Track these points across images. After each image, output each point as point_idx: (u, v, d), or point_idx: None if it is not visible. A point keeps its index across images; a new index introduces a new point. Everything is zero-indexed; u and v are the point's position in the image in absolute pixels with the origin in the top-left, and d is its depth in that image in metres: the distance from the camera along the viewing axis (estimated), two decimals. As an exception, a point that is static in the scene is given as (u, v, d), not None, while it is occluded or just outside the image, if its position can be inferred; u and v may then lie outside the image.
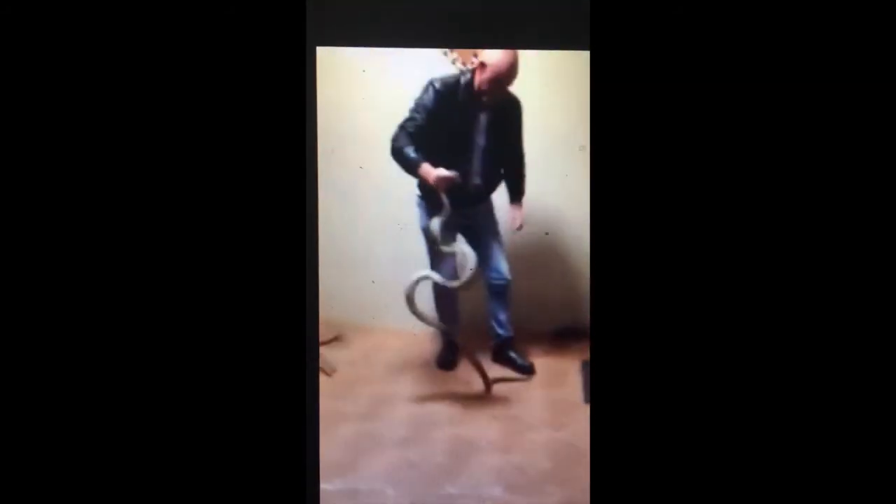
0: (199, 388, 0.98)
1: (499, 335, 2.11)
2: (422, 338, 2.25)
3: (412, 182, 2.01)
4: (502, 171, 2.00)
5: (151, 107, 0.97)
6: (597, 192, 1.03)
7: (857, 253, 0.98)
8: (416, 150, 2.08)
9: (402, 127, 2.01)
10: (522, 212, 2.06)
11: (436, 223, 2.09)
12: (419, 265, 2.50)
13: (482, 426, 1.83)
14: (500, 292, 2.05)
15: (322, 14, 1.12)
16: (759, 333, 0.99)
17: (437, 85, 1.91)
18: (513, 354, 2.10)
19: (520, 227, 2.05)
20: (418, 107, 1.97)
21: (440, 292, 2.07)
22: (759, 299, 0.99)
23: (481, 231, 2.04)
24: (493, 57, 1.81)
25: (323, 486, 1.58)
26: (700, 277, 0.99)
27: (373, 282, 2.56)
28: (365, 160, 2.46)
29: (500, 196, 2.05)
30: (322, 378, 2.15)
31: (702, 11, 0.98)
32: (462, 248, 2.04)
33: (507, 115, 1.93)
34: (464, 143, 2.03)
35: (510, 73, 1.85)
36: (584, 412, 1.81)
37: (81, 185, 0.96)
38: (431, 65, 2.38)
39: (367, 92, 2.44)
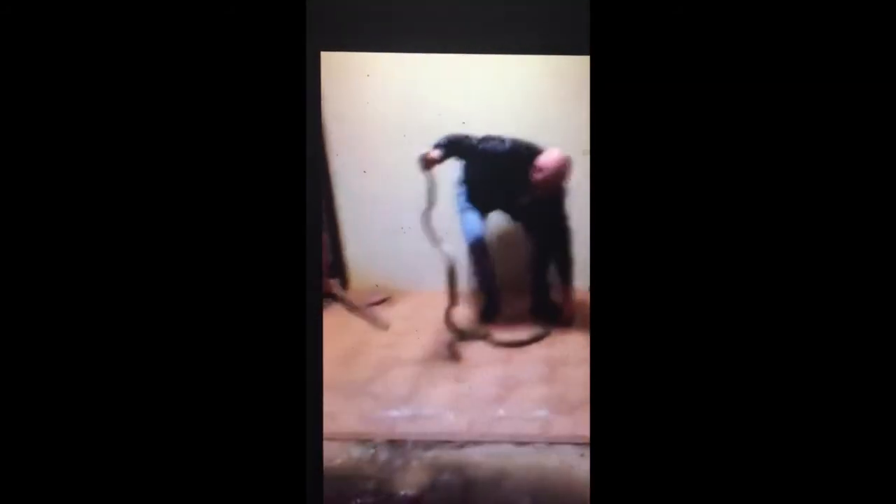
0: (199, 387, 0.98)
1: (537, 285, 2.42)
2: (464, 296, 2.48)
3: (415, 185, 2.11)
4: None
5: (151, 112, 0.96)
6: (597, 195, 1.00)
7: (857, 253, 0.97)
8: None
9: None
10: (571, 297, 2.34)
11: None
12: (421, 268, 2.62)
13: (526, 365, 2.07)
14: (548, 253, 2.35)
15: (327, 19, 1.12)
16: (760, 332, 0.98)
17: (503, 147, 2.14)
18: (551, 303, 2.41)
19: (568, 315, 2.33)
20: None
21: (477, 257, 2.32)
22: (760, 298, 0.98)
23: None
24: (548, 163, 2.07)
25: (391, 412, 1.83)
26: (701, 278, 0.98)
27: (376, 285, 2.74)
28: (369, 164, 2.59)
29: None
30: (378, 332, 2.41)
31: (702, 16, 0.97)
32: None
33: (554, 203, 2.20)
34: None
35: (562, 175, 2.11)
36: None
37: (82, 184, 0.95)
38: (435, 69, 2.50)
39: (372, 96, 2.57)
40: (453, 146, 2.14)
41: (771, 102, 0.97)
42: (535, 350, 2.22)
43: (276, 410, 1.00)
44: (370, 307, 2.58)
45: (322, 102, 1.16)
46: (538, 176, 2.10)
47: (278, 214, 0.99)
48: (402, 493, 1.51)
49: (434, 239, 2.12)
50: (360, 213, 2.72)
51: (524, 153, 2.14)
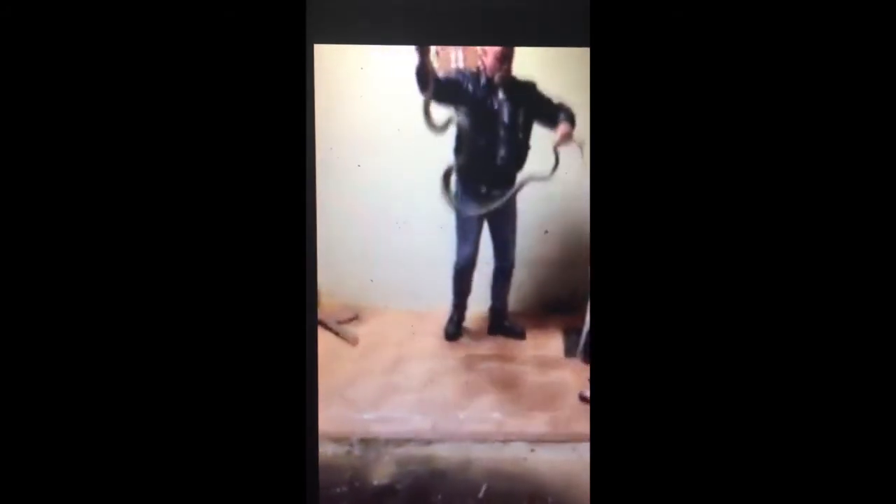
0: (198, 388, 0.97)
1: (497, 308, 2.50)
2: (428, 316, 2.72)
3: (411, 179, 2.16)
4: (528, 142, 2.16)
5: (149, 104, 0.95)
6: (597, 189, 0.99)
7: (857, 252, 0.95)
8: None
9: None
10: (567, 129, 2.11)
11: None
12: (418, 263, 2.80)
13: (484, 375, 2.33)
14: (503, 275, 2.43)
15: (320, 11, 1.07)
16: (760, 331, 0.97)
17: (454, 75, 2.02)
18: (507, 324, 2.50)
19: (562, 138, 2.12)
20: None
21: (458, 271, 2.44)
22: (760, 297, 0.97)
23: (500, 222, 2.36)
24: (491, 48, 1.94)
25: (363, 415, 2.05)
26: (700, 275, 0.97)
27: (371, 280, 2.73)
28: (363, 158, 2.42)
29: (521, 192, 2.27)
30: (347, 346, 2.62)
31: (703, 8, 0.96)
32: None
33: (524, 96, 2.09)
34: (488, 119, 2.17)
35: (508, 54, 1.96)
36: (565, 364, 2.33)
37: (80, 182, 0.95)
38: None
39: (366, 89, 2.31)
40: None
41: (772, 100, 0.95)
42: (490, 363, 2.48)
43: (276, 411, 1.02)
44: (341, 324, 2.79)
45: (315, 96, 1.09)
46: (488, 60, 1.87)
47: (278, 213, 0.98)
48: (376, 482, 1.74)
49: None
50: (354, 207, 2.54)
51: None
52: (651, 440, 0.97)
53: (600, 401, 1.01)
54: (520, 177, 2.28)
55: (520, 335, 2.47)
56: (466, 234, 2.44)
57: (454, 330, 2.60)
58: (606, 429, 1.01)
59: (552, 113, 2.19)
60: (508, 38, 1.24)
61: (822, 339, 0.96)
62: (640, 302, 0.98)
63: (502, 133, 2.25)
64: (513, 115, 2.20)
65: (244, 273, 0.99)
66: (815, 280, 0.96)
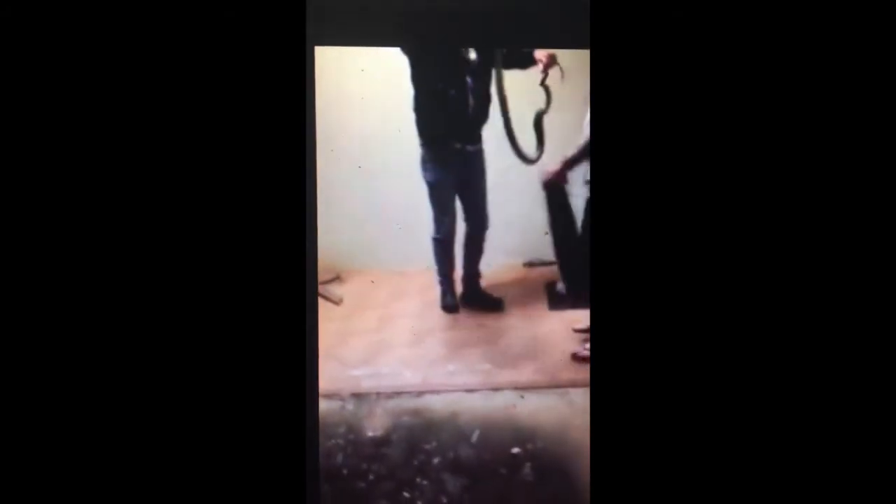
0: (198, 387, 0.97)
1: (470, 277, 2.46)
2: (413, 275, 2.74)
3: (411, 182, 2.19)
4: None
5: (149, 105, 0.94)
6: (597, 190, 0.98)
7: (857, 253, 0.95)
8: None
9: None
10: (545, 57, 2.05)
11: None
12: (419, 265, 2.78)
13: (471, 329, 2.37)
14: (476, 242, 2.41)
15: (321, 13, 1.08)
16: (761, 332, 0.97)
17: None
18: (483, 294, 2.45)
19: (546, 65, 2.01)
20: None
21: (440, 242, 2.41)
22: (760, 297, 0.96)
23: (471, 182, 2.34)
24: None
25: (354, 372, 2.07)
26: (701, 276, 0.97)
27: (372, 282, 2.63)
28: (363, 160, 2.47)
29: (490, 149, 2.29)
30: (332, 306, 2.63)
31: (703, 8, 0.95)
32: None
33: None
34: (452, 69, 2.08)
35: None
36: (549, 317, 2.38)
37: (80, 182, 0.94)
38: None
39: (366, 91, 2.37)
40: None
41: (772, 101, 0.95)
42: (476, 317, 2.52)
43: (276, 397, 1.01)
44: (323, 285, 2.79)
45: (315, 98, 1.10)
46: None
47: (279, 214, 0.97)
48: (370, 433, 1.77)
49: None
50: (355, 209, 2.62)
51: None
52: (652, 440, 0.99)
53: (601, 401, 1.00)
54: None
55: (497, 305, 2.40)
56: (443, 203, 2.38)
57: (452, 302, 2.48)
58: (607, 429, 1.01)
59: (522, 56, 2.14)
60: (509, 39, 1.22)
61: (818, 340, 0.97)
62: (640, 301, 0.98)
63: (469, 82, 2.17)
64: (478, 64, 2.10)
65: (245, 274, 0.99)
66: (815, 278, 0.96)
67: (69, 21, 0.94)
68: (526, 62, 2.26)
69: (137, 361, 0.97)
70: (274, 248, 0.99)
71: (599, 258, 1.00)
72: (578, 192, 2.25)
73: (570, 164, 2.18)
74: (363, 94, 2.54)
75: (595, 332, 1.01)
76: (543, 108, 2.26)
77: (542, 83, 2.21)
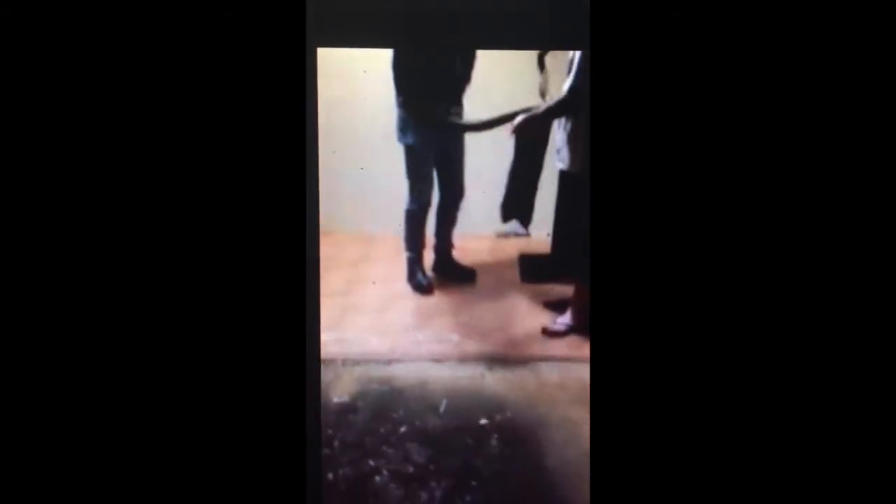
0: (197, 385, 0.98)
1: (442, 248, 2.47)
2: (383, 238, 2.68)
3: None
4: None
5: (150, 107, 0.95)
6: (597, 191, 0.99)
7: (857, 253, 0.96)
8: None
9: None
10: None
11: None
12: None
13: (440, 298, 2.34)
14: (449, 211, 2.40)
15: (322, 15, 1.09)
16: (761, 332, 0.98)
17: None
18: (455, 264, 2.49)
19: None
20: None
21: (412, 214, 2.35)
22: (761, 298, 0.98)
23: (449, 149, 2.29)
24: None
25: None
26: (701, 277, 0.97)
27: (373, 283, 2.61)
28: (366, 161, 2.54)
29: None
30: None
31: (703, 8, 0.96)
32: None
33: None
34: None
35: None
36: (521, 290, 2.37)
37: (81, 183, 0.94)
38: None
39: (368, 92, 2.49)
40: None
41: (771, 101, 0.96)
42: (445, 287, 2.49)
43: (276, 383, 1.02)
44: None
45: (318, 99, 1.15)
46: None
47: (279, 215, 0.98)
48: (336, 399, 1.74)
49: None
50: (357, 209, 2.72)
51: None
52: (651, 441, 1.00)
53: (600, 401, 1.00)
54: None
55: (469, 276, 2.39)
56: (420, 170, 2.29)
57: (424, 281, 2.40)
58: (606, 428, 1.02)
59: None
60: (509, 39, 1.24)
61: (818, 340, 0.99)
62: (639, 301, 0.99)
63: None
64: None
65: (245, 273, 0.98)
66: (812, 285, 0.98)
67: (69, 21, 0.94)
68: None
69: (137, 355, 0.98)
70: (274, 248, 0.99)
71: (599, 257, 1.00)
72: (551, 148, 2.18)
73: (539, 117, 2.13)
74: (365, 96, 2.56)
75: (595, 333, 1.00)
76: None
77: (543, 95, 2.16)
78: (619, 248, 0.99)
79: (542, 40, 1.26)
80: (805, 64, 0.96)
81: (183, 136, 0.96)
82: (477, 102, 2.35)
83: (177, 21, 0.95)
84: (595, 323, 1.00)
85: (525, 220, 2.31)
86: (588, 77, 1.61)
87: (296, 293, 1.00)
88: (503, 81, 2.39)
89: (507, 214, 2.30)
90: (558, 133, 2.08)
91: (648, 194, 0.98)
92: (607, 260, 1.00)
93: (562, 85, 2.06)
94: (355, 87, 2.58)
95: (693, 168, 0.98)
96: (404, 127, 2.24)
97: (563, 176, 2.06)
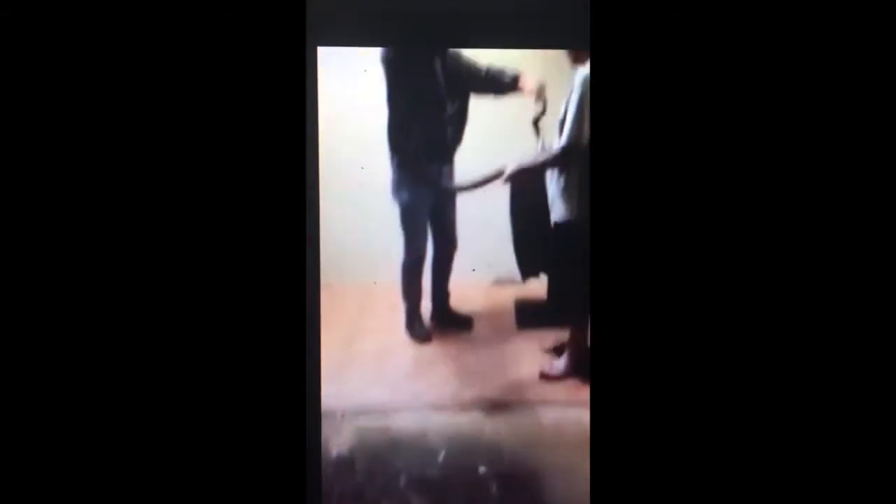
0: (198, 388, 0.97)
1: (439, 298, 2.49)
2: (381, 287, 2.71)
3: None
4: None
5: (151, 107, 0.94)
6: (597, 191, 0.98)
7: (856, 253, 0.95)
8: None
9: None
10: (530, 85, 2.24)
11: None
12: (389, 278, 2.53)
13: (439, 346, 2.36)
14: (444, 262, 2.44)
15: (323, 14, 1.09)
16: (761, 333, 0.97)
17: None
18: (452, 313, 2.52)
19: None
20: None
21: (409, 268, 2.40)
22: (760, 299, 0.97)
23: (442, 209, 2.35)
24: None
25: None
26: (701, 277, 0.97)
27: (374, 282, 2.65)
28: (367, 160, 2.50)
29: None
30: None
31: (703, 8, 0.96)
32: None
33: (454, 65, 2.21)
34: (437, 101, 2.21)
35: None
36: (517, 336, 2.39)
37: (81, 183, 0.94)
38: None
39: (369, 91, 2.42)
40: None
41: (771, 102, 0.95)
42: (443, 335, 2.51)
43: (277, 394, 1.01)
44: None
45: (318, 98, 1.14)
46: None
47: (280, 215, 0.98)
48: (335, 452, 1.74)
49: None
50: (358, 208, 2.63)
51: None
52: (651, 443, 1.00)
53: (600, 403, 1.00)
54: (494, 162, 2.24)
55: (466, 324, 2.41)
56: (415, 224, 2.34)
57: (422, 332, 2.43)
58: (606, 431, 1.01)
59: (491, 78, 2.23)
60: (509, 39, 1.26)
61: (817, 340, 0.98)
62: (639, 302, 0.99)
63: (448, 109, 2.27)
64: (448, 85, 2.21)
65: (245, 272, 0.99)
66: (812, 285, 0.98)
67: (69, 21, 0.94)
68: (502, 88, 2.28)
69: (137, 356, 0.97)
70: (274, 247, 0.98)
71: (599, 256, 0.99)
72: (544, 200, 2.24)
73: (530, 170, 2.19)
74: (365, 95, 2.40)
75: (595, 333, 1.00)
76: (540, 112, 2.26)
77: (535, 123, 2.24)
78: (619, 247, 0.98)
79: (542, 40, 1.26)
80: (805, 63, 0.95)
81: (181, 135, 0.95)
82: (468, 161, 2.42)
83: (177, 21, 0.95)
84: (595, 368, 0.99)
85: (531, 272, 2.36)
86: (579, 134, 1.68)
87: (295, 287, 0.98)
88: (495, 141, 2.45)
89: (525, 271, 2.35)
90: (551, 186, 2.14)
91: (649, 193, 0.96)
92: (607, 259, 0.98)
93: (554, 142, 2.14)
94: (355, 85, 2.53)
95: (694, 166, 0.95)
96: (399, 185, 2.32)
97: (558, 226, 2.11)
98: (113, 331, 0.96)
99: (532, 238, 2.32)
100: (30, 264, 0.95)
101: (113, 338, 0.97)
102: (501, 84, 2.26)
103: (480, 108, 2.35)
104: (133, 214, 0.97)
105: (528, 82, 2.21)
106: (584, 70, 1.92)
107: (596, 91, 0.99)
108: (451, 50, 2.22)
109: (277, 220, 0.99)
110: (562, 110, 2.06)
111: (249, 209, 0.98)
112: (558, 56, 2.06)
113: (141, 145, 0.96)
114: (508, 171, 2.18)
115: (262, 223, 0.99)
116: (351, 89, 2.49)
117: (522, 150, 2.26)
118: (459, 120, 2.35)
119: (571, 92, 1.94)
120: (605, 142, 0.99)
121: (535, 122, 2.22)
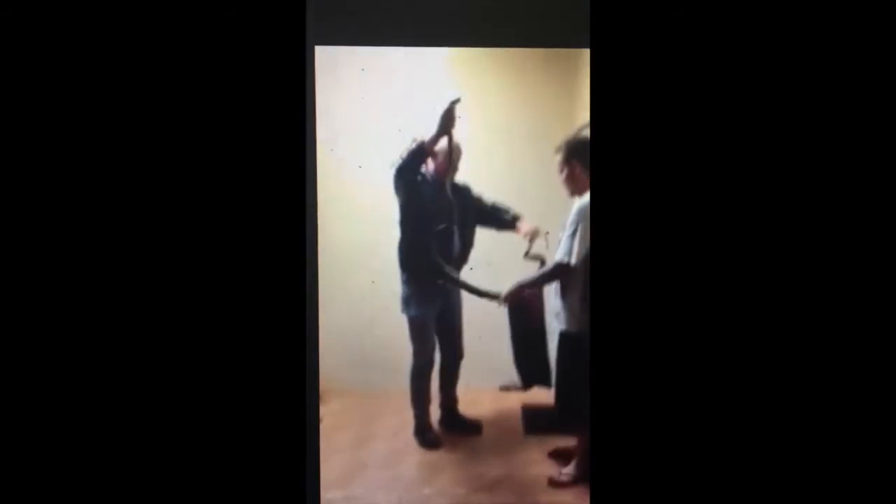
0: (198, 388, 0.97)
1: (448, 405, 2.54)
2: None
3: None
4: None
5: (151, 105, 0.94)
6: (597, 189, 0.97)
7: (856, 252, 0.94)
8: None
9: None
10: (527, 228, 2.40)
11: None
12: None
13: (447, 452, 2.36)
14: (452, 370, 2.51)
15: (321, 13, 1.08)
16: (761, 335, 0.96)
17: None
18: (461, 419, 2.55)
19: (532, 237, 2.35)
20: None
21: (418, 374, 2.44)
22: (760, 300, 0.96)
23: (450, 321, 2.46)
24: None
25: (328, 495, 2.04)
26: (700, 276, 0.96)
27: (373, 282, 2.65)
28: (364, 159, 2.51)
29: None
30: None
31: (703, 8, 0.95)
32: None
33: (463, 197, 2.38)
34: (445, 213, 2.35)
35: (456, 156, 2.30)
36: (525, 442, 2.39)
37: (82, 183, 0.94)
38: (429, 64, 2.46)
39: (366, 91, 2.47)
40: None
41: (770, 101, 0.95)
42: (451, 441, 2.51)
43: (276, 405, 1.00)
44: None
45: (316, 97, 1.14)
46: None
47: (279, 214, 0.97)
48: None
49: None
50: (356, 207, 2.62)
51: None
52: (651, 446, 0.99)
53: (600, 405, 0.99)
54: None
55: (475, 429, 2.45)
56: (424, 335, 2.39)
57: (431, 438, 2.44)
58: (606, 431, 1.01)
59: (493, 214, 2.43)
60: (509, 38, 1.25)
61: (816, 340, 0.96)
62: (639, 303, 0.98)
63: (457, 226, 2.41)
64: (459, 212, 2.39)
65: (245, 272, 0.99)
66: (811, 285, 0.96)
67: (69, 21, 0.94)
68: (503, 225, 2.45)
69: (138, 357, 0.97)
70: (274, 247, 0.98)
71: (599, 256, 0.98)
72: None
73: (529, 285, 2.30)
74: (363, 94, 2.42)
75: (596, 333, 1.00)
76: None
77: (527, 255, 2.39)
78: (618, 246, 0.98)
79: (542, 40, 1.25)
80: (804, 63, 0.96)
81: (181, 134, 0.95)
82: (473, 274, 2.50)
83: (177, 20, 0.95)
84: (596, 476, 0.99)
85: (533, 382, 2.42)
86: (577, 252, 1.79)
87: (295, 287, 0.98)
88: (502, 259, 2.51)
89: (527, 382, 2.42)
90: (553, 298, 2.24)
91: (649, 193, 0.97)
92: (607, 258, 0.98)
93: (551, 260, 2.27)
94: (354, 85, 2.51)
95: (694, 166, 0.96)
96: (408, 300, 2.42)
97: (564, 335, 2.19)
98: (108, 335, 0.96)
99: (531, 351, 2.40)
100: (30, 264, 0.95)
101: (107, 344, 0.96)
102: (503, 221, 2.45)
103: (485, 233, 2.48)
104: (133, 214, 0.96)
105: (525, 226, 2.41)
106: (581, 201, 2.08)
107: (596, 91, 1.00)
108: (461, 181, 2.39)
109: (278, 220, 0.99)
110: (560, 233, 2.20)
111: (249, 209, 0.98)
112: (559, 189, 2.21)
113: (141, 144, 0.97)
114: (505, 292, 2.30)
115: (262, 223, 0.99)
116: (349, 88, 2.50)
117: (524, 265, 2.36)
118: (466, 244, 2.46)
119: (569, 216, 2.08)
120: (605, 140, 0.99)
121: (526, 256, 2.39)
